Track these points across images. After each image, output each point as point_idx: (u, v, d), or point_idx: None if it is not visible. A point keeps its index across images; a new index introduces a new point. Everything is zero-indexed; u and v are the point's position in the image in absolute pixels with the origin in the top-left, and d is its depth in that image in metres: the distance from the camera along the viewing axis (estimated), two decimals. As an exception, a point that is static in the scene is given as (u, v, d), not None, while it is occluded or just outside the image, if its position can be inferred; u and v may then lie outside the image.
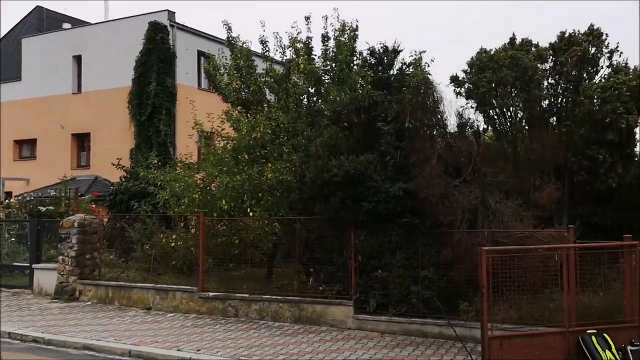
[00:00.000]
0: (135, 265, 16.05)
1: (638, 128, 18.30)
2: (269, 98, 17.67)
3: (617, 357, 8.63)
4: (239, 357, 10.12)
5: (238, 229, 14.38)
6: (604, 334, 8.92)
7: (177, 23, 29.65)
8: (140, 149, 27.49)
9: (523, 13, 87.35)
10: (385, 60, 14.17)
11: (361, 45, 17.60)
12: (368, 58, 14.50)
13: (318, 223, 12.90)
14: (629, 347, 8.84)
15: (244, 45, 18.27)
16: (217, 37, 27.83)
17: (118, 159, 20.72)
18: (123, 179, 21.14)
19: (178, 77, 28.93)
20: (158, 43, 28.37)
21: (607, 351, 8.64)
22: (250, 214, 14.08)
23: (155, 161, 19.60)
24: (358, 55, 16.78)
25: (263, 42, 17.96)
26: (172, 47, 28.89)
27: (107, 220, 18.48)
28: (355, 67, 16.70)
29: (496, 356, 8.78)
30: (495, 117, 18.89)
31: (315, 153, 13.14)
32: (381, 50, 14.15)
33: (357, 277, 12.20)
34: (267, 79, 17.37)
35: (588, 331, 8.99)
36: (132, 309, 14.65)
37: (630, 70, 18.60)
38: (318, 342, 11.13)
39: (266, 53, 18.05)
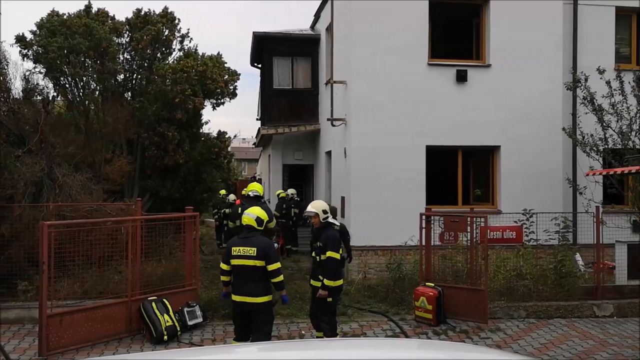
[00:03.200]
0: None
1: (203, 110, 20.09)
2: None
3: (174, 318, 9.24)
4: None
5: None
6: (164, 299, 9.43)
7: None
8: None
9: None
10: None
11: None
12: None
13: None
14: (185, 309, 9.57)
15: None
16: None
17: None
18: None
19: None
20: None
21: (165, 315, 9.15)
22: None
23: None
24: None
25: None
26: None
27: None
28: None
29: (56, 334, 8.33)
30: (67, 85, 17.92)
31: None
32: None
33: None
34: None
35: (149, 298, 9.35)
36: None
37: (199, 57, 20.19)
38: None
39: None
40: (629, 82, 12.95)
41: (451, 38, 15.29)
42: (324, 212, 7.81)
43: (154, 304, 9.23)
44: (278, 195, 17.90)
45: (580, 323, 9.96)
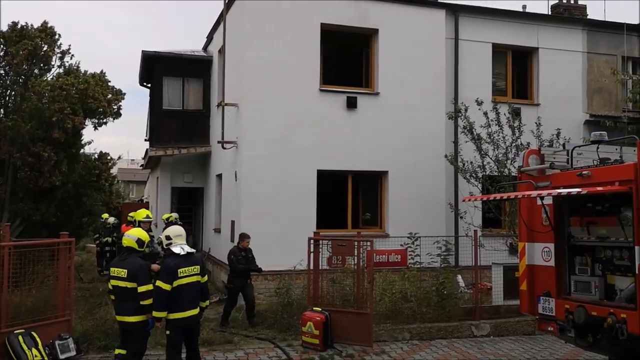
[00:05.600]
0: None
1: (85, 130, 19.04)
2: None
3: (44, 353, 8.52)
4: None
5: None
6: (33, 332, 8.67)
7: None
8: None
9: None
10: None
11: None
12: None
13: None
14: (57, 342, 8.86)
15: None
16: None
17: None
18: None
19: None
20: None
21: (33, 349, 8.41)
22: None
23: None
24: None
25: None
26: None
27: None
28: None
29: None
30: None
31: None
32: None
33: None
34: None
35: (16, 331, 8.57)
36: None
37: (81, 74, 19.18)
38: None
39: None
40: (505, 114, 13.87)
41: (342, 65, 15.65)
42: (167, 238, 7.62)
43: (20, 338, 8.49)
44: (167, 219, 17.18)
45: (460, 343, 10.30)
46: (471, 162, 13.82)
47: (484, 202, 13.95)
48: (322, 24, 14.13)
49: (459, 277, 13.10)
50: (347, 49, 15.56)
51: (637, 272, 6.55)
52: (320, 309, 9.97)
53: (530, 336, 10.82)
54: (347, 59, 15.75)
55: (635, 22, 18.32)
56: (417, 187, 14.40)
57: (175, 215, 17.22)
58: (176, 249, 7.47)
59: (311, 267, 10.46)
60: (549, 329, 7.86)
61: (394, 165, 14.46)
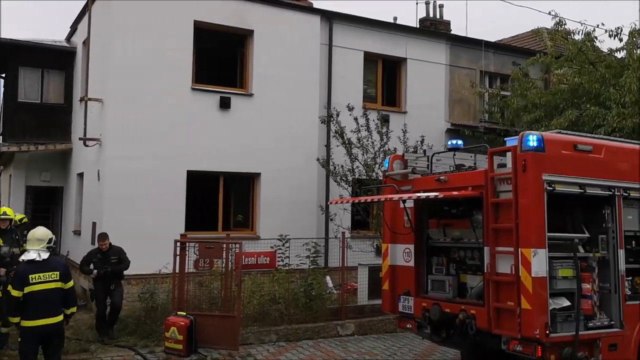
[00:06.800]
0: None
1: None
2: None
3: None
4: None
5: None
6: None
7: None
8: None
9: None
10: None
11: None
12: None
13: None
14: None
15: None
16: None
17: None
18: None
19: None
20: None
21: None
22: None
23: None
24: None
25: None
26: None
27: None
28: None
29: None
30: None
31: None
32: None
33: None
34: None
35: None
36: None
37: None
38: None
39: None
40: (374, 120, 14.34)
41: (216, 65, 15.36)
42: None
43: None
44: (21, 220, 15.75)
45: (326, 343, 10.47)
46: (342, 166, 14.13)
47: (353, 205, 14.33)
48: (195, 22, 13.77)
49: (328, 278, 13.33)
50: (221, 48, 15.30)
51: (485, 271, 7.01)
52: (185, 314, 9.66)
53: (392, 334, 11.24)
54: (221, 58, 15.49)
55: (493, 39, 19.83)
56: (289, 189, 14.46)
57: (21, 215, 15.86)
58: (27, 256, 6.98)
59: (177, 271, 10.11)
60: (408, 326, 8.21)
61: (266, 167, 14.41)
